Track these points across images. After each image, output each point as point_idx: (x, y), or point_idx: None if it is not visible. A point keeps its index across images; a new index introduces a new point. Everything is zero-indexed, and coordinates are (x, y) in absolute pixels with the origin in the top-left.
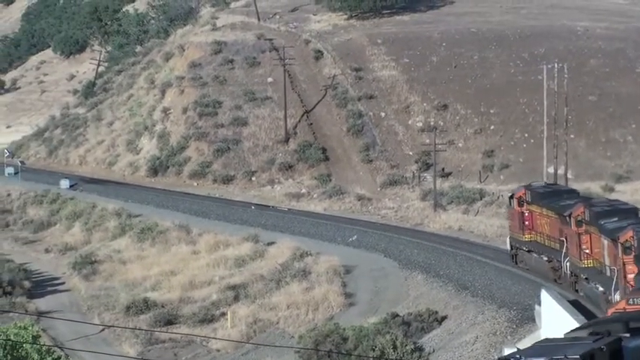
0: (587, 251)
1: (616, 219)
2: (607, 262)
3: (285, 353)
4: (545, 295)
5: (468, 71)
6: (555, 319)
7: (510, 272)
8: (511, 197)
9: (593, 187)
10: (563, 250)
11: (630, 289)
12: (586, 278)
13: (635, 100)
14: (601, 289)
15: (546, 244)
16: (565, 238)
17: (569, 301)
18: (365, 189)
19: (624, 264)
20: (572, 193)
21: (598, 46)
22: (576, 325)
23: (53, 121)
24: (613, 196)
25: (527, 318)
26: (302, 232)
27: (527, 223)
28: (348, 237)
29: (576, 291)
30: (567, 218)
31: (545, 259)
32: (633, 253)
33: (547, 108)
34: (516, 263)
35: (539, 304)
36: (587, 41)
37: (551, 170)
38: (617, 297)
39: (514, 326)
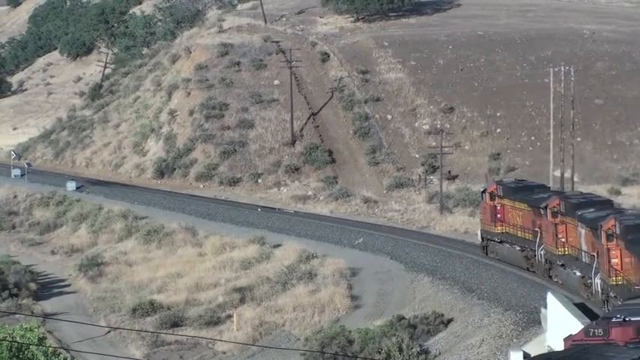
0: (563, 240)
1: (593, 210)
2: (585, 249)
3: (290, 355)
4: (551, 298)
5: (474, 74)
6: (561, 322)
7: (516, 275)
8: (483, 192)
9: (599, 190)
10: (537, 240)
11: (615, 272)
12: (562, 265)
13: None
14: (579, 274)
15: (519, 234)
16: (539, 228)
17: (575, 304)
18: (371, 191)
19: (608, 250)
20: (543, 187)
21: (604, 49)
22: (582, 327)
23: (60, 123)
24: (619, 199)
25: (533, 321)
26: (308, 234)
27: (499, 215)
28: (354, 239)
29: (550, 277)
30: (542, 210)
31: (518, 248)
32: (616, 240)
33: (553, 111)
34: (487, 254)
35: (545, 307)
36: (593, 44)
37: (557, 173)
38: (597, 280)
39: (520, 329)
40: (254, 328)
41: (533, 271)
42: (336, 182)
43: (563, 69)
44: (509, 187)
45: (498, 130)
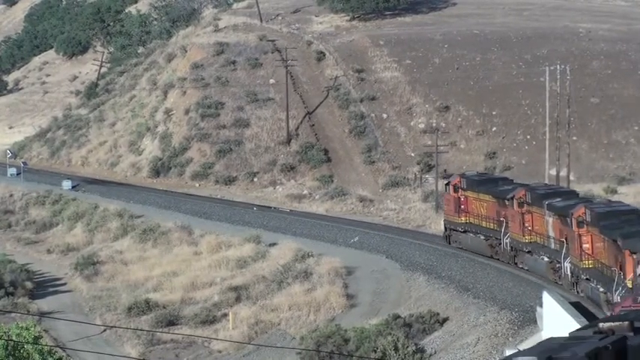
0: (530, 228)
1: (560, 199)
2: (553, 235)
3: (286, 354)
4: (546, 297)
5: (470, 73)
6: (557, 321)
7: (512, 274)
8: (447, 184)
9: (595, 189)
10: (502, 229)
11: (586, 256)
12: (529, 251)
13: (637, 102)
14: (546, 259)
15: (483, 224)
16: (504, 218)
17: (570, 303)
18: (367, 190)
19: (579, 236)
20: (506, 180)
21: (600, 48)
22: (578, 326)
23: (55, 122)
24: (615, 198)
25: (528, 320)
26: (304, 233)
27: (462, 207)
28: (349, 238)
29: (515, 264)
30: (508, 201)
31: (482, 237)
32: (586, 226)
33: (549, 110)
34: (449, 243)
35: (541, 306)
36: (589, 43)
37: (553, 172)
38: (566, 264)
39: (516, 328)
40: (250, 327)
41: (497, 258)
42: (332, 181)
43: (558, 68)
44: (473, 180)
45: (494, 128)
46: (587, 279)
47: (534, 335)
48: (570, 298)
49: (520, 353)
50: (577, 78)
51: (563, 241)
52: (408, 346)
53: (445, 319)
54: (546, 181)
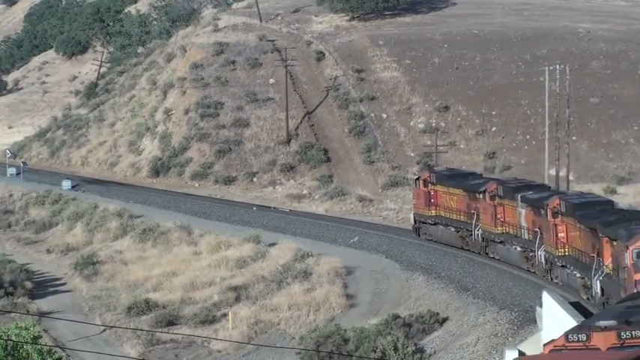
0: (502, 220)
1: (532, 192)
2: (526, 226)
3: (286, 354)
4: (546, 297)
5: (469, 73)
6: (556, 321)
7: (512, 274)
8: (417, 179)
9: (595, 189)
10: (474, 221)
11: (562, 245)
12: (501, 242)
13: (637, 102)
14: (519, 248)
15: (454, 217)
16: (476, 211)
17: (570, 303)
18: (366, 190)
19: (555, 225)
20: (475, 174)
21: (600, 48)
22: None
23: (55, 121)
24: (614, 198)
25: (528, 320)
26: (303, 233)
27: (432, 200)
28: (349, 238)
29: (486, 254)
30: (480, 194)
31: (453, 229)
32: (561, 216)
33: (549, 110)
34: (419, 235)
35: (541, 306)
36: (589, 43)
37: (552, 172)
38: (540, 253)
39: (515, 328)
40: (249, 327)
41: (468, 249)
42: (332, 181)
43: (558, 68)
44: (443, 175)
45: (494, 128)
46: (562, 266)
47: (534, 335)
48: (570, 298)
49: (596, 318)
50: (577, 78)
51: (536, 231)
52: (407, 346)
53: (445, 319)
54: (546, 181)
